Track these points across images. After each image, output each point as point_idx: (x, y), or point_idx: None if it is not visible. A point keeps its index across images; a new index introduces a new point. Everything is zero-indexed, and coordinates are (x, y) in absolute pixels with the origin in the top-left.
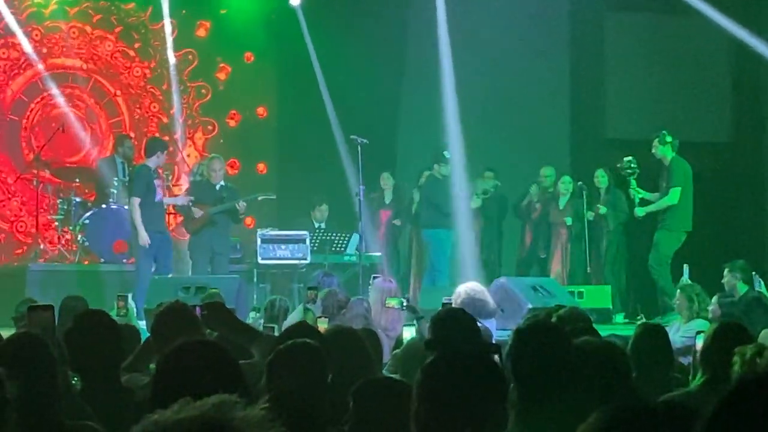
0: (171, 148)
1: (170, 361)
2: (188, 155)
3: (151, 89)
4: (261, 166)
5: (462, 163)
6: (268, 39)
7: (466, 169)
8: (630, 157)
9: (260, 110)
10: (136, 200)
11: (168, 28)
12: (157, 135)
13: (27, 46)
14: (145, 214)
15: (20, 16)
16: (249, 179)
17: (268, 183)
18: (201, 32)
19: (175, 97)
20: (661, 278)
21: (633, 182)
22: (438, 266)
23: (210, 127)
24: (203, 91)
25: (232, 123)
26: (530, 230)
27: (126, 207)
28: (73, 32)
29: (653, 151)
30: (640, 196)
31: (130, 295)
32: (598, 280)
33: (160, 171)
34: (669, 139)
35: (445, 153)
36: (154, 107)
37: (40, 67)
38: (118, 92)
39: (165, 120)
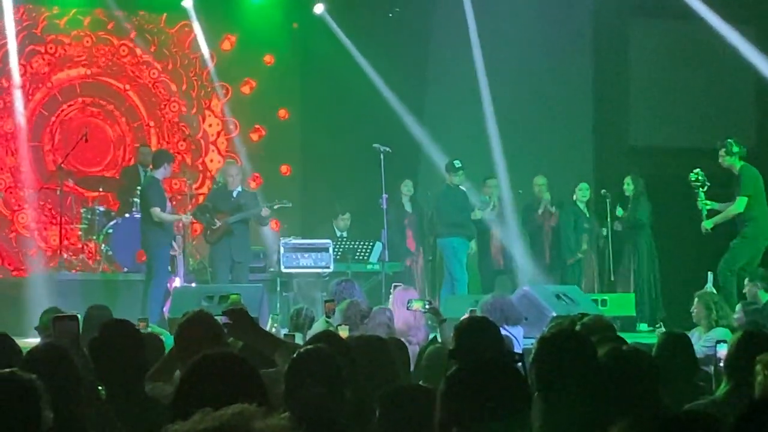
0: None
1: (193, 372)
2: (211, 160)
3: (175, 100)
4: (284, 169)
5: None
6: (292, 47)
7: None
8: (698, 169)
9: (282, 113)
10: (157, 209)
11: (198, 29)
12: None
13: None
14: (157, 226)
15: (35, 30)
16: (272, 183)
17: (291, 190)
18: (226, 45)
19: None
20: (726, 284)
21: (701, 194)
22: (455, 275)
23: (233, 127)
24: (224, 92)
25: (254, 137)
26: (550, 237)
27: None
28: (87, 41)
29: (720, 161)
30: (708, 207)
31: (149, 318)
32: (622, 287)
33: (169, 182)
34: (736, 149)
35: (456, 162)
36: (174, 107)
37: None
38: (136, 97)
39: (187, 130)
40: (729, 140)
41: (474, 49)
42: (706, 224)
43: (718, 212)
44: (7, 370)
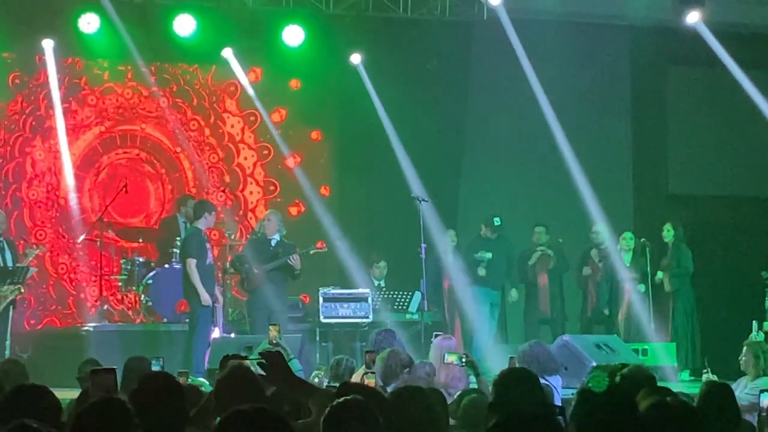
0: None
1: (226, 427)
2: (250, 192)
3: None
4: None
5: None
6: (329, 97)
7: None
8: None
9: (315, 134)
10: (192, 261)
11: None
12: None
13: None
14: (200, 275)
15: (78, 81)
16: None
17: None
18: (275, 118)
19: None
20: None
21: None
22: (476, 324)
23: (272, 187)
24: (265, 152)
25: (293, 211)
26: (594, 287)
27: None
28: (127, 93)
29: None
30: None
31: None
32: (663, 337)
33: (209, 233)
34: None
35: (496, 219)
36: (213, 158)
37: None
38: (178, 148)
39: (227, 177)
40: None
41: (512, 100)
42: None
43: None
44: None
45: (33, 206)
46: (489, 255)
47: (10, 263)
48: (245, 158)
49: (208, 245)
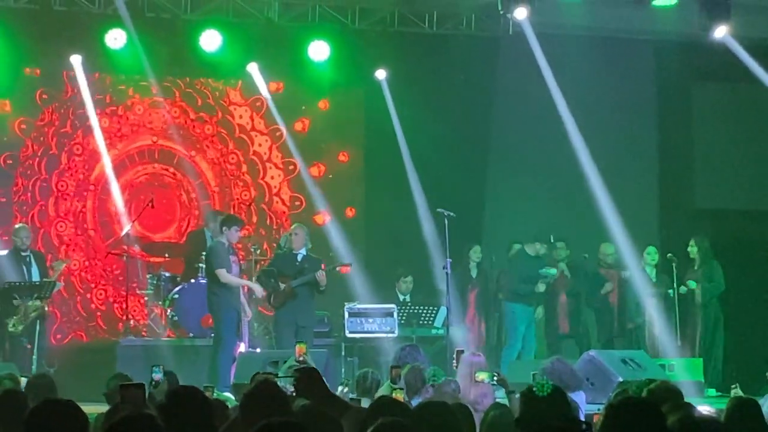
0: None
1: None
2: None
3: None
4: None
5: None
6: (356, 111)
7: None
8: None
9: (342, 156)
10: (222, 271)
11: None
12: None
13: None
14: (222, 290)
15: (104, 96)
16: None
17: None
18: (298, 127)
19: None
20: None
21: None
22: (509, 340)
23: (298, 203)
24: (291, 167)
25: (319, 220)
26: (618, 302)
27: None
28: (154, 108)
29: None
30: None
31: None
32: (690, 352)
33: (237, 246)
34: None
35: (553, 239)
36: (237, 172)
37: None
38: (204, 162)
39: (253, 191)
40: None
41: (537, 115)
42: None
43: None
44: None
45: (60, 221)
46: (554, 271)
47: (36, 277)
48: (272, 177)
49: (233, 258)
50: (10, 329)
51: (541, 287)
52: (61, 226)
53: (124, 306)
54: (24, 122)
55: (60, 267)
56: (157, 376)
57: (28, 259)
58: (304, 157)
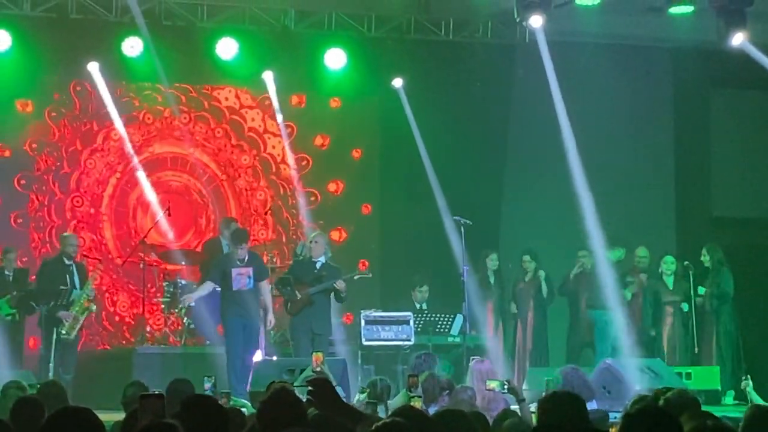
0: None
1: None
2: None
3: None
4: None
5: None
6: (371, 119)
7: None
8: None
9: (356, 152)
10: (209, 284)
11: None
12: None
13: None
14: (224, 299)
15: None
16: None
17: (371, 261)
18: (318, 141)
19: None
20: None
21: None
22: (597, 348)
23: (312, 198)
24: (312, 198)
25: (336, 236)
26: (637, 311)
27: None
28: (175, 117)
29: None
30: None
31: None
32: (707, 360)
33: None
34: None
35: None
36: (255, 184)
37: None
38: (224, 176)
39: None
40: None
41: (554, 122)
42: None
43: None
44: None
45: (77, 229)
46: (634, 280)
47: (77, 286)
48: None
49: (238, 270)
50: (63, 335)
51: (628, 295)
52: (78, 232)
53: (140, 313)
54: (34, 141)
55: (93, 279)
56: (207, 385)
57: (71, 268)
58: (323, 177)
